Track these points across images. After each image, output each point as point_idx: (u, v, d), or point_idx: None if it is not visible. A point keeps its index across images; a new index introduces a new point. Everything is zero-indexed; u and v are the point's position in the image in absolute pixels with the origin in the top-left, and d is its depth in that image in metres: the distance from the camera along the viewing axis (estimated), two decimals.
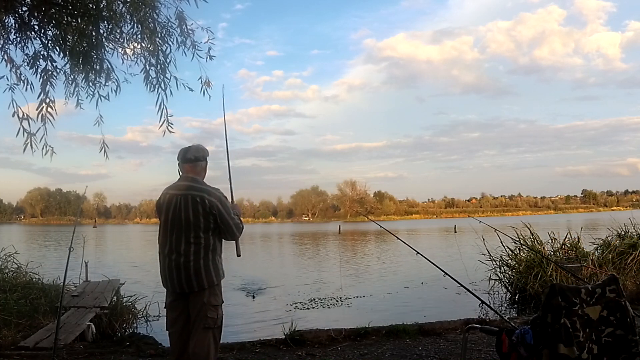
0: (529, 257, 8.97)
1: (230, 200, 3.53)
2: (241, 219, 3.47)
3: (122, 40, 5.43)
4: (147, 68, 5.45)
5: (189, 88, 5.59)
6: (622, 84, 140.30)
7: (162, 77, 5.44)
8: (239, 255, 3.57)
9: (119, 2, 5.17)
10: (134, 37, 5.33)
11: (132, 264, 19.14)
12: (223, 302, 3.37)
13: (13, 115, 4.74)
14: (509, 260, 9.44)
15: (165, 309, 3.44)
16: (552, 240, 9.64)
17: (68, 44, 5.34)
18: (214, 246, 3.29)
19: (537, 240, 9.55)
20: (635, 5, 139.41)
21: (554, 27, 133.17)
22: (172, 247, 3.26)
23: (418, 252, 4.59)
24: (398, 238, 5.09)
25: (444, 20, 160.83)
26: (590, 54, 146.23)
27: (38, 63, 5.30)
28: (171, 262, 3.25)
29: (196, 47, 5.46)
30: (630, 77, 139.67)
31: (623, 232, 9.81)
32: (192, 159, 3.41)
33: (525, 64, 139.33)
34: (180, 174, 3.44)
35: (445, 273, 4.27)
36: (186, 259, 3.21)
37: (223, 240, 3.39)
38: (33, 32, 5.30)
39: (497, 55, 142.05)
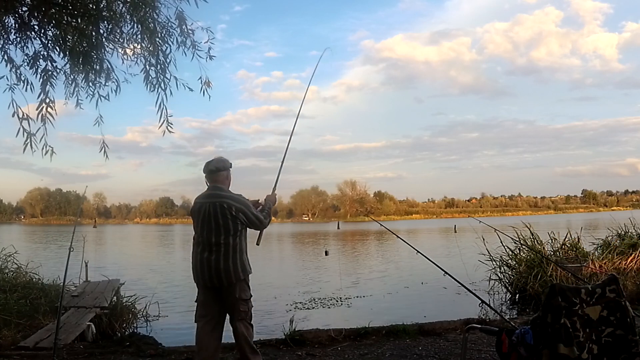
0: (529, 257, 8.96)
1: (272, 191, 4.17)
2: (270, 210, 4.01)
3: (122, 40, 5.42)
4: (147, 68, 5.44)
5: (189, 88, 5.59)
6: (619, 84, 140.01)
7: (162, 77, 5.43)
8: (257, 244, 4.03)
9: (119, 2, 5.16)
10: (134, 37, 5.32)
11: (132, 264, 19.14)
12: (252, 295, 3.85)
13: (13, 116, 4.74)
14: (509, 260, 9.44)
15: (193, 304, 3.90)
16: (552, 240, 9.63)
17: (68, 44, 5.33)
18: (241, 246, 3.78)
19: (537, 240, 9.55)
20: (632, 7, 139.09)
21: (551, 28, 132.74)
22: (205, 248, 3.75)
23: (418, 251, 4.61)
24: (399, 237, 5.11)
25: (442, 21, 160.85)
26: (588, 54, 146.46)
27: (38, 63, 5.29)
28: (203, 260, 3.73)
29: (196, 47, 5.45)
30: (627, 77, 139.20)
31: (623, 232, 9.82)
32: (214, 170, 3.86)
33: (523, 64, 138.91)
34: (207, 184, 3.89)
35: (445, 272, 4.29)
36: (217, 258, 3.69)
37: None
38: (33, 32, 5.29)
39: (495, 56, 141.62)
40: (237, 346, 3.86)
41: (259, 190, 4.12)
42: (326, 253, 14.38)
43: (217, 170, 3.85)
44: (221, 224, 3.68)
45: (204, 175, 3.90)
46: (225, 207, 3.68)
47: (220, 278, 3.69)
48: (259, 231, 4.00)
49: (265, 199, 4.09)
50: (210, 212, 3.71)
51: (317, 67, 5.26)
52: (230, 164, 3.96)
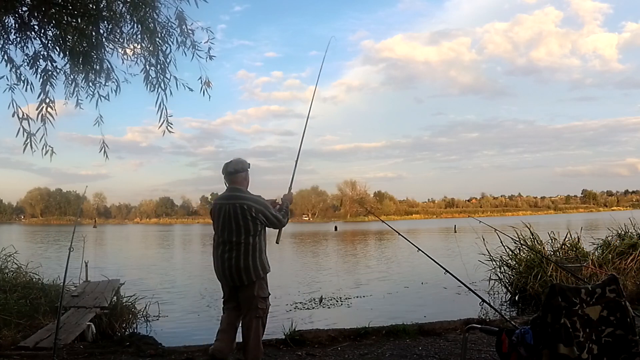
0: (529, 257, 8.95)
1: (288, 191, 4.34)
2: (288, 208, 4.16)
3: (122, 40, 5.41)
4: (147, 68, 5.43)
5: (189, 88, 5.58)
6: (619, 84, 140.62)
7: (162, 77, 5.42)
8: (277, 242, 4.33)
9: (119, 2, 5.16)
10: (134, 37, 5.31)
11: (132, 264, 19.14)
12: (270, 294, 4.04)
13: (13, 116, 4.73)
14: (509, 260, 9.43)
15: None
16: (552, 240, 9.62)
17: (68, 44, 5.33)
18: (260, 245, 3.92)
19: (537, 240, 9.54)
20: (632, 7, 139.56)
21: (551, 29, 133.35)
22: (225, 248, 3.88)
23: (419, 249, 4.63)
24: (402, 236, 5.13)
25: (441, 21, 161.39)
26: (587, 55, 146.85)
27: (38, 63, 5.29)
28: (224, 260, 3.87)
29: (196, 47, 5.44)
30: (627, 77, 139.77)
31: (623, 232, 9.80)
32: (232, 172, 3.98)
33: (523, 64, 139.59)
34: (226, 185, 4.02)
35: (447, 271, 4.33)
36: (237, 256, 3.83)
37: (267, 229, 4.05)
38: (33, 32, 5.29)
39: (495, 56, 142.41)
40: (244, 342, 3.95)
41: (259, 190, 4.23)
42: (335, 228, 14.58)
43: (235, 172, 3.97)
44: (241, 224, 3.82)
45: (223, 176, 4.02)
46: (245, 208, 3.81)
47: (241, 277, 3.84)
48: (278, 230, 4.19)
49: (282, 198, 4.24)
50: (231, 213, 3.84)
51: (325, 56, 5.51)
52: (249, 164, 4.08)
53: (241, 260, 3.82)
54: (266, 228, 4.02)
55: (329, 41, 5.74)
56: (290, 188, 4.41)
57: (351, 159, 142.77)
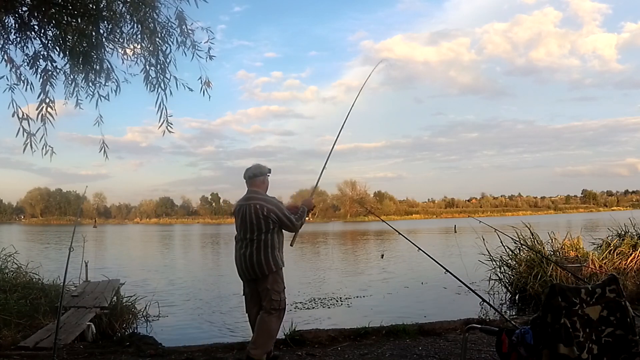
0: (529, 257, 8.96)
1: (310, 196, 4.81)
2: (304, 213, 4.45)
3: (122, 40, 5.41)
4: (147, 68, 5.43)
5: (189, 88, 5.59)
6: (618, 84, 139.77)
7: (162, 77, 5.42)
8: (291, 245, 4.56)
9: (119, 2, 5.16)
10: (134, 37, 5.31)
11: (132, 264, 19.14)
12: (285, 288, 4.30)
13: (13, 116, 4.74)
14: (509, 260, 9.44)
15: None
16: (552, 240, 9.63)
17: (68, 44, 5.33)
18: (272, 242, 4.23)
19: (537, 240, 9.55)
20: (631, 7, 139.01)
21: (550, 29, 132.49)
22: (242, 244, 4.27)
23: (420, 249, 4.66)
24: (404, 236, 5.14)
25: (441, 22, 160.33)
26: (587, 55, 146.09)
27: (38, 63, 5.29)
28: (241, 255, 4.25)
29: (196, 47, 5.44)
30: (626, 78, 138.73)
31: (623, 232, 9.82)
32: (252, 176, 4.40)
33: (522, 65, 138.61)
34: (248, 188, 4.41)
35: (447, 270, 4.34)
36: (251, 252, 4.20)
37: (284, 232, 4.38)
38: (33, 32, 5.30)
39: (494, 56, 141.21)
40: (255, 332, 4.20)
41: (270, 189, 4.37)
42: (382, 256, 14.63)
43: (254, 176, 4.40)
44: (255, 223, 4.19)
45: (245, 180, 4.44)
46: (258, 208, 4.20)
47: (255, 270, 4.19)
48: (293, 233, 4.48)
49: (301, 203, 4.61)
50: (246, 213, 4.24)
51: (357, 96, 5.62)
52: (269, 169, 4.50)
53: (254, 255, 4.17)
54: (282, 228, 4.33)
55: (376, 65, 6.09)
56: (312, 194, 4.85)
57: (351, 159, 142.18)
